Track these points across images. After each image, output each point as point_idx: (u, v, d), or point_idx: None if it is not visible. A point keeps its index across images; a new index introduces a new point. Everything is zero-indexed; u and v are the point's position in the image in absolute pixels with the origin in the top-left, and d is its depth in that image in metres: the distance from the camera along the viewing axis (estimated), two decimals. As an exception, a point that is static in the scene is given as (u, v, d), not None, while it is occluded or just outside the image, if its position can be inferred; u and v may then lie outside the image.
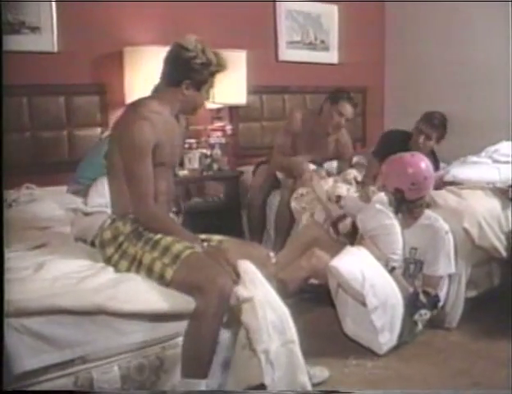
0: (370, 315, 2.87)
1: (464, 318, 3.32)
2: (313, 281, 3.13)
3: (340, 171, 4.27)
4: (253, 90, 4.57)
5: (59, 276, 2.31)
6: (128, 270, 2.42)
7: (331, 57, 5.46)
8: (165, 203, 2.57)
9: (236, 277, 2.39)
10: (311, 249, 3.06)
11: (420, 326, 3.07)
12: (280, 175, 4.25)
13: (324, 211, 3.59)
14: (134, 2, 4.05)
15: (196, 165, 4.20)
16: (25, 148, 3.77)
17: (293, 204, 3.86)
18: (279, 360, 2.33)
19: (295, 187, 3.95)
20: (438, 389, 2.73)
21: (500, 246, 3.41)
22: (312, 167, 4.12)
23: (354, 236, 3.34)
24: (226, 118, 4.62)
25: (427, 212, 3.23)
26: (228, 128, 4.48)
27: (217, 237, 2.66)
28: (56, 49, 3.85)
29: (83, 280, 2.29)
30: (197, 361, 2.28)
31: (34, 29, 3.77)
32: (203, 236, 2.63)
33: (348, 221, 3.37)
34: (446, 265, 3.15)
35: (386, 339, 2.93)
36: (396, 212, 3.21)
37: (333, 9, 5.41)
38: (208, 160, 4.25)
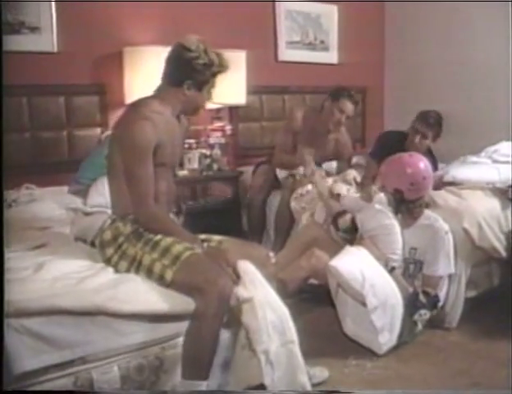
0: (370, 315, 2.87)
1: (463, 318, 3.32)
2: (313, 281, 3.13)
3: (339, 171, 4.27)
4: (252, 90, 4.57)
5: (59, 276, 2.31)
6: (128, 271, 2.41)
7: (331, 57, 5.46)
8: (165, 203, 2.56)
9: (236, 277, 2.39)
10: (311, 249, 3.07)
11: (420, 326, 3.07)
12: (280, 175, 4.25)
13: (325, 207, 3.57)
14: (133, 2, 4.05)
15: (196, 165, 4.19)
16: (25, 149, 3.76)
17: (292, 204, 3.86)
18: (279, 361, 2.33)
19: (295, 187, 3.96)
20: (438, 389, 2.74)
21: (500, 246, 3.41)
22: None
23: (353, 233, 3.34)
24: (225, 118, 4.62)
25: (427, 212, 3.23)
26: (228, 128, 4.48)
27: (216, 237, 2.66)
28: (55, 49, 3.85)
29: (83, 280, 2.29)
30: (197, 362, 2.28)
31: (34, 29, 3.77)
32: (202, 236, 2.63)
33: (348, 216, 3.36)
34: (446, 265, 3.15)
35: (386, 339, 2.93)
36: (396, 212, 3.22)
37: (333, 9, 5.42)
38: (208, 160, 4.25)
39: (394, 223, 3.17)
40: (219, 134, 4.37)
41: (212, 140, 4.33)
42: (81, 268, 2.44)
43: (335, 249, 3.08)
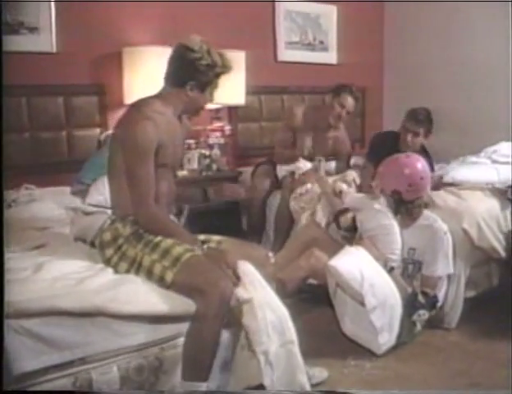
0: (369, 315, 2.87)
1: (463, 319, 3.33)
2: (312, 281, 3.13)
3: (338, 171, 4.28)
4: (252, 91, 4.57)
5: (59, 276, 2.31)
6: (127, 272, 2.41)
7: (330, 57, 5.47)
8: (165, 204, 2.55)
9: (236, 278, 2.38)
10: (310, 249, 3.06)
11: (419, 326, 3.07)
12: (280, 174, 4.25)
13: (329, 204, 3.57)
14: (132, 2, 4.05)
15: (195, 165, 4.19)
16: (24, 149, 3.76)
17: (292, 204, 3.87)
18: (278, 361, 2.33)
19: (294, 186, 3.96)
20: (437, 389, 2.74)
21: (499, 247, 3.41)
22: (309, 165, 4.13)
23: (354, 231, 3.33)
24: (225, 118, 4.62)
25: (426, 212, 3.23)
26: (227, 128, 4.48)
27: (216, 238, 2.66)
28: (55, 50, 3.84)
29: (82, 281, 2.29)
30: (197, 364, 2.27)
31: (33, 29, 3.76)
32: (202, 237, 2.62)
33: (349, 215, 3.35)
34: (445, 266, 3.15)
35: (385, 339, 2.93)
36: (395, 213, 3.21)
37: (332, 9, 5.42)
38: (207, 160, 4.25)
39: (393, 223, 3.18)
40: (218, 134, 4.37)
41: (211, 141, 4.33)
42: (81, 268, 2.44)
43: (334, 249, 3.07)
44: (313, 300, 3.34)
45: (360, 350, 2.97)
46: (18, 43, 3.65)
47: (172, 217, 2.68)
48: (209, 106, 3.98)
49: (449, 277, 3.24)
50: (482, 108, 4.95)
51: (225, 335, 2.37)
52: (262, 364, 2.29)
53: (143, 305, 2.25)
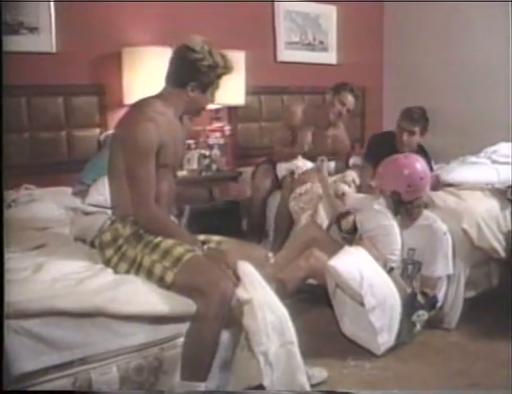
0: (368, 315, 2.87)
1: (462, 319, 3.32)
2: (312, 281, 3.13)
3: (337, 171, 4.28)
4: (251, 91, 4.58)
5: (58, 277, 2.31)
6: (127, 272, 2.40)
7: (330, 57, 5.47)
8: (166, 205, 2.55)
9: (236, 279, 2.38)
10: (309, 250, 3.06)
11: (418, 326, 3.07)
12: (280, 174, 4.25)
13: (330, 206, 3.55)
14: (132, 2, 4.05)
15: (195, 166, 4.20)
16: (24, 149, 3.76)
17: (291, 204, 3.86)
18: (278, 361, 2.33)
19: (294, 186, 3.96)
20: (437, 390, 2.74)
21: (499, 247, 3.41)
22: (309, 164, 4.14)
23: (355, 234, 3.33)
24: (224, 119, 4.63)
25: (426, 213, 3.23)
26: (227, 129, 4.48)
27: (215, 238, 2.66)
28: (54, 50, 3.84)
29: (82, 281, 2.29)
30: (197, 364, 2.27)
31: (33, 29, 3.77)
32: (201, 237, 2.62)
33: (351, 218, 3.34)
34: (444, 266, 3.15)
35: (385, 339, 2.93)
36: (395, 213, 3.21)
37: (332, 10, 5.42)
38: (207, 161, 4.25)
39: (393, 224, 3.17)
40: (218, 134, 4.37)
41: (211, 141, 4.33)
42: (81, 268, 2.44)
43: (334, 250, 3.07)
44: (313, 301, 3.34)
45: (360, 351, 2.97)
46: (18, 43, 3.65)
47: (172, 217, 2.67)
48: (209, 106, 3.99)
49: (448, 277, 3.23)
50: (482, 108, 4.95)
51: (225, 335, 2.37)
52: (262, 364, 2.29)
53: (143, 306, 2.25)
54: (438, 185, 3.70)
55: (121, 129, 2.51)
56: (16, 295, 2.06)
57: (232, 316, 2.34)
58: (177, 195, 2.72)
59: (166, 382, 2.32)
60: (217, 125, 4.42)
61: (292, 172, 4.13)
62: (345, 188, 3.68)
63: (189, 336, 2.28)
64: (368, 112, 5.77)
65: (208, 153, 4.27)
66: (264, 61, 4.87)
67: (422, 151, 3.84)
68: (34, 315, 2.06)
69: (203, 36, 2.51)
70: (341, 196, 3.58)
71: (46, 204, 3.34)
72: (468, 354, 3.04)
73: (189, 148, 4.14)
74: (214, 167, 4.28)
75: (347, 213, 3.33)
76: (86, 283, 2.27)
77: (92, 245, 2.70)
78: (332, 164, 4.41)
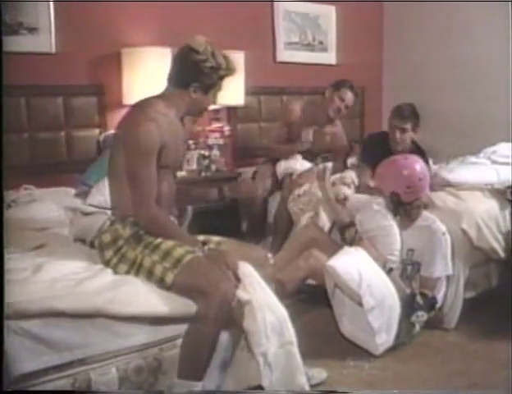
0: (367, 316, 2.86)
1: (462, 319, 3.32)
2: (311, 281, 3.13)
3: (335, 171, 4.26)
4: (251, 91, 4.58)
5: (58, 277, 2.31)
6: (127, 273, 2.40)
7: (330, 57, 5.47)
8: (166, 206, 2.54)
9: (236, 280, 2.38)
10: (309, 250, 3.06)
11: (417, 327, 3.07)
12: (279, 174, 4.25)
13: (332, 212, 3.51)
14: (132, 2, 4.05)
15: (194, 166, 4.20)
16: (24, 149, 3.76)
17: (290, 205, 3.86)
18: (277, 362, 2.33)
19: (292, 187, 3.96)
20: (436, 390, 2.74)
21: (499, 247, 3.41)
22: (307, 164, 4.14)
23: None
24: (224, 119, 4.63)
25: (425, 213, 3.23)
26: (226, 129, 4.48)
27: (215, 238, 2.66)
28: (54, 50, 3.85)
29: (82, 282, 2.29)
30: (194, 364, 2.28)
31: (32, 30, 3.77)
32: (201, 237, 2.62)
33: (354, 229, 3.33)
34: (443, 266, 3.15)
35: (383, 340, 2.93)
36: (394, 214, 3.21)
37: (331, 10, 5.42)
38: (207, 161, 4.25)
39: (392, 224, 3.17)
40: (217, 135, 4.38)
41: (210, 141, 4.34)
42: (80, 269, 2.44)
43: (333, 250, 3.07)
44: (312, 301, 3.34)
45: (359, 351, 2.97)
46: (17, 43, 3.65)
47: (172, 218, 2.67)
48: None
49: (448, 277, 3.23)
50: (482, 108, 4.95)
51: (224, 336, 2.38)
52: (261, 365, 2.29)
53: (143, 306, 2.25)
54: (436, 181, 3.68)
55: (123, 129, 2.50)
56: (16, 296, 2.06)
57: (232, 317, 2.34)
58: (178, 195, 2.72)
59: (165, 382, 2.32)
60: (216, 125, 4.42)
61: (290, 174, 4.13)
62: (347, 191, 3.66)
63: (188, 336, 2.28)
64: (368, 113, 5.77)
65: (207, 153, 4.27)
66: (263, 62, 4.87)
67: (416, 148, 3.84)
68: (34, 316, 2.07)
69: (202, 37, 2.50)
70: (343, 200, 3.56)
71: (45, 205, 3.34)
72: (468, 354, 3.04)
73: (188, 148, 4.14)
74: (213, 167, 4.28)
75: (350, 224, 3.31)
76: (86, 284, 2.27)
77: (91, 245, 2.70)
78: (330, 165, 4.41)
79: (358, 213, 3.32)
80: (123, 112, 2.88)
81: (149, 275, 2.35)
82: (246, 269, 2.42)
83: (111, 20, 4.03)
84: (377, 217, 3.21)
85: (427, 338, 3.17)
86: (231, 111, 4.75)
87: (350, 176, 3.93)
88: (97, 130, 4.07)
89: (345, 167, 4.29)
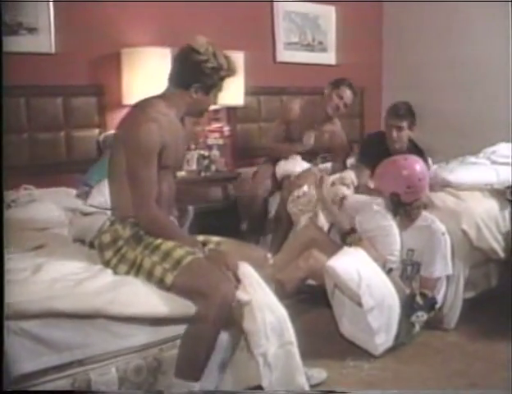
0: (366, 316, 2.86)
1: (461, 319, 3.32)
2: (311, 282, 3.13)
3: (334, 171, 4.27)
4: (250, 91, 4.58)
5: (57, 278, 2.31)
6: (127, 274, 2.40)
7: (329, 58, 5.47)
8: (166, 206, 2.54)
9: (236, 281, 2.37)
10: (309, 250, 3.06)
11: (417, 327, 3.07)
12: (279, 176, 4.25)
13: (330, 214, 3.50)
14: (132, 2, 4.05)
15: (194, 166, 4.19)
16: (23, 149, 3.76)
17: (290, 206, 3.85)
18: (277, 362, 2.33)
19: (291, 188, 3.95)
20: (435, 390, 2.74)
21: (498, 247, 3.42)
22: (306, 165, 4.13)
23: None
24: (223, 119, 4.62)
25: (425, 213, 3.23)
26: (226, 129, 4.48)
27: (215, 238, 2.66)
28: (53, 50, 3.84)
29: (81, 282, 2.29)
30: (192, 364, 2.27)
31: (32, 30, 3.77)
32: (201, 238, 2.62)
33: (356, 236, 3.32)
34: (443, 267, 3.15)
35: (383, 340, 2.93)
36: (394, 214, 3.21)
37: (331, 10, 5.43)
38: (206, 161, 4.25)
39: (392, 224, 3.18)
40: (217, 135, 4.37)
41: (210, 141, 4.33)
42: (80, 269, 2.44)
43: (333, 250, 3.07)
44: (312, 301, 3.34)
45: (359, 351, 2.97)
46: (17, 43, 3.65)
47: (173, 218, 2.66)
48: (208, 107, 3.99)
49: (448, 277, 3.23)
50: (482, 108, 4.96)
51: (224, 336, 2.38)
52: (261, 365, 2.29)
53: (143, 307, 2.25)
54: (436, 181, 3.68)
55: (123, 129, 2.49)
56: (16, 296, 2.06)
57: (232, 317, 2.34)
58: (178, 195, 2.72)
59: (164, 382, 2.32)
60: (216, 125, 4.42)
61: (289, 176, 4.12)
62: (346, 191, 3.66)
63: (187, 336, 2.28)
64: (367, 113, 5.78)
65: (207, 153, 4.27)
66: (263, 62, 4.87)
67: (414, 146, 3.85)
68: (34, 316, 2.07)
69: (203, 37, 2.50)
70: (340, 201, 3.55)
71: (45, 205, 3.33)
72: (468, 354, 3.04)
73: (188, 148, 4.13)
74: (213, 167, 4.28)
75: (352, 231, 3.30)
76: (85, 284, 2.27)
77: (91, 245, 2.70)
78: (328, 165, 4.42)
79: (357, 214, 3.32)
80: (123, 112, 2.88)
81: (149, 276, 2.35)
82: (246, 270, 2.41)
83: (111, 20, 4.03)
84: (377, 217, 3.21)
85: (427, 338, 3.17)
86: (231, 111, 4.75)
87: (350, 176, 3.93)
88: (96, 131, 4.07)
89: (344, 167, 4.29)
